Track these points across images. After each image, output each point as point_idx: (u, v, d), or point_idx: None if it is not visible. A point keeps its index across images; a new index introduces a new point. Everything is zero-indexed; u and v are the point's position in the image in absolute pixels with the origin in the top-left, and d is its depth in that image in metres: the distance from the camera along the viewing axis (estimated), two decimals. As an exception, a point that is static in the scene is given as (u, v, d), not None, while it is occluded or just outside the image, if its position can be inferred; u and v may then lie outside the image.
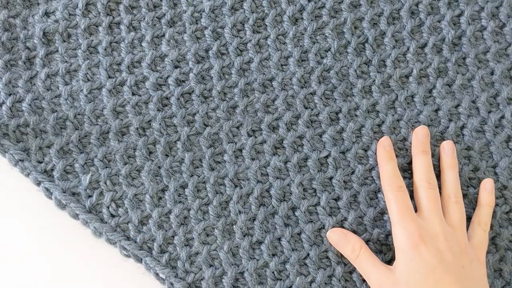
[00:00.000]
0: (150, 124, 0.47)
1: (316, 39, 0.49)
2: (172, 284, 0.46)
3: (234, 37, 0.49)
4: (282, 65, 0.49)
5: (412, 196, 0.46)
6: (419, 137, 0.47)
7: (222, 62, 0.48)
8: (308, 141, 0.48)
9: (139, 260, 0.46)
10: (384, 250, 0.46)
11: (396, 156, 0.48)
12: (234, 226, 0.46)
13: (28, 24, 0.48)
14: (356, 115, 0.48)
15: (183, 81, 0.48)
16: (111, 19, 0.49)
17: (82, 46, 0.48)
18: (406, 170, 0.48)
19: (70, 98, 0.47)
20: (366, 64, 0.49)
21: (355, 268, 0.46)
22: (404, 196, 0.45)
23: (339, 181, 0.47)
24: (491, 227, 0.47)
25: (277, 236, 0.46)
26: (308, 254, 0.46)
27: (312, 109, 0.48)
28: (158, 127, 0.47)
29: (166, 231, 0.46)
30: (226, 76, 0.48)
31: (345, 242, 0.45)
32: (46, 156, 0.46)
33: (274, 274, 0.46)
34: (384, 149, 0.47)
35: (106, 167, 0.46)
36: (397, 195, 0.44)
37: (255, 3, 0.50)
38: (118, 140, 0.46)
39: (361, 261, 0.44)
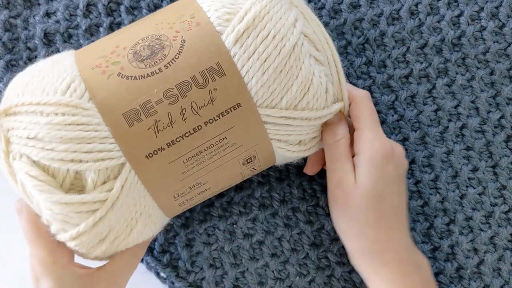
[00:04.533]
0: None
1: (316, 40, 0.50)
2: (173, 283, 0.46)
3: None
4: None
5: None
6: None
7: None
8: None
9: (140, 259, 0.47)
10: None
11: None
12: (234, 226, 0.47)
13: (29, 25, 0.49)
14: (356, 116, 0.48)
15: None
16: (112, 20, 0.49)
17: (83, 47, 0.48)
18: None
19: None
20: (366, 65, 0.49)
21: (353, 268, 0.46)
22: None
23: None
24: (490, 226, 0.48)
25: (277, 236, 0.47)
26: (308, 254, 0.46)
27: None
28: None
29: (167, 231, 0.46)
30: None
31: (333, 124, 0.41)
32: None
33: (274, 274, 0.46)
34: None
35: None
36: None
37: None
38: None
39: (337, 148, 0.41)
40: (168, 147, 0.36)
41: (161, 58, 0.36)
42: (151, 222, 0.39)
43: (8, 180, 0.36)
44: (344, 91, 0.40)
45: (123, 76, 0.36)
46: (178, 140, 0.36)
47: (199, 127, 0.36)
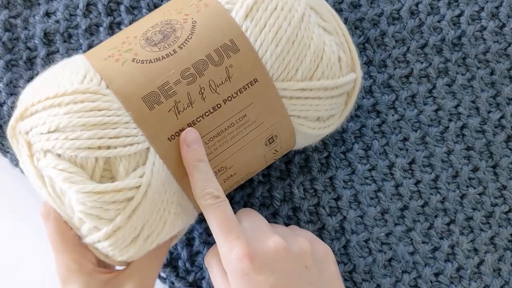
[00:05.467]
0: None
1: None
2: (172, 283, 0.46)
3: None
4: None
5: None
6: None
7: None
8: (309, 141, 0.48)
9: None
10: (385, 249, 0.47)
11: (396, 156, 0.48)
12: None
13: (29, 24, 0.49)
14: (356, 115, 0.48)
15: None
16: (112, 20, 0.49)
17: (83, 46, 0.48)
18: (407, 170, 0.48)
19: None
20: (367, 64, 0.49)
21: (354, 268, 0.46)
22: (222, 208, 0.36)
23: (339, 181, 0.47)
24: (490, 226, 0.48)
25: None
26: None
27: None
28: None
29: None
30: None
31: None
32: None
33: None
34: (188, 148, 0.36)
35: None
36: (213, 209, 0.36)
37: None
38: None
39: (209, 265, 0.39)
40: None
41: (174, 40, 0.36)
42: (182, 212, 0.38)
43: (35, 185, 0.35)
44: (356, 60, 0.40)
45: (137, 61, 0.36)
46: (198, 120, 0.36)
47: (219, 106, 0.36)
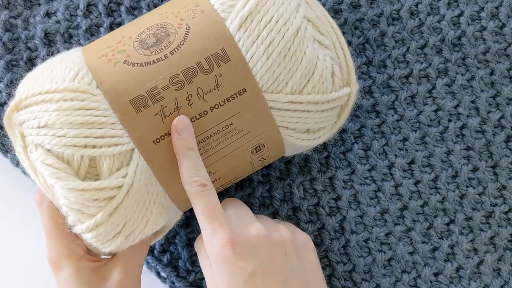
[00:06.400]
0: None
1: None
2: (173, 283, 0.46)
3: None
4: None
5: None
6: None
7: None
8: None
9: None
10: (384, 249, 0.47)
11: (396, 156, 0.48)
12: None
13: (30, 25, 0.49)
14: (356, 116, 0.48)
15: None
16: (112, 20, 0.49)
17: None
18: (406, 170, 0.48)
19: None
20: (366, 65, 0.49)
21: (354, 267, 0.46)
22: (208, 196, 0.37)
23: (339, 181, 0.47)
24: (490, 226, 0.48)
25: None
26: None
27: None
28: None
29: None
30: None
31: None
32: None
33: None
34: (178, 136, 0.36)
35: None
36: (199, 196, 0.37)
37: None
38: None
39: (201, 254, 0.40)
40: None
41: (167, 45, 0.36)
42: (164, 212, 0.39)
43: (29, 174, 0.37)
44: (352, 75, 0.40)
45: (129, 64, 0.36)
46: None
47: (205, 112, 0.36)
